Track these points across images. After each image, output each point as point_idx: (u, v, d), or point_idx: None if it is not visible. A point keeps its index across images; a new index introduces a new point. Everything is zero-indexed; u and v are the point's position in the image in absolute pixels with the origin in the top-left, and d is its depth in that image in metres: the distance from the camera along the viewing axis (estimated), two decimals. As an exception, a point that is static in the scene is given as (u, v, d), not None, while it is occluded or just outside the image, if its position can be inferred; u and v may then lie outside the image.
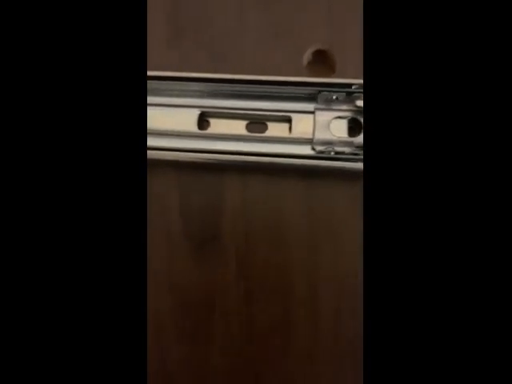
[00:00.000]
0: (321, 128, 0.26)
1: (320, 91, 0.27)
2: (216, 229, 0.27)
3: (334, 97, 0.26)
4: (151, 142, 0.27)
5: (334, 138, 0.26)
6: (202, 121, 0.28)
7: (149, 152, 0.27)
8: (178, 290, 0.27)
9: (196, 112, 0.28)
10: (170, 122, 0.28)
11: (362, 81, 0.26)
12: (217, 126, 0.28)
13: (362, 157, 0.26)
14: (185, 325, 0.27)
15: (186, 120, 0.28)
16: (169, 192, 0.28)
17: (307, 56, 0.28)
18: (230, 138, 0.27)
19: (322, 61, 0.28)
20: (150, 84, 0.28)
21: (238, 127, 0.28)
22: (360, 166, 0.26)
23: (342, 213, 0.27)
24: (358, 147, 0.26)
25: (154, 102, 0.28)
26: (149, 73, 0.28)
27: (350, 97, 0.26)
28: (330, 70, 0.28)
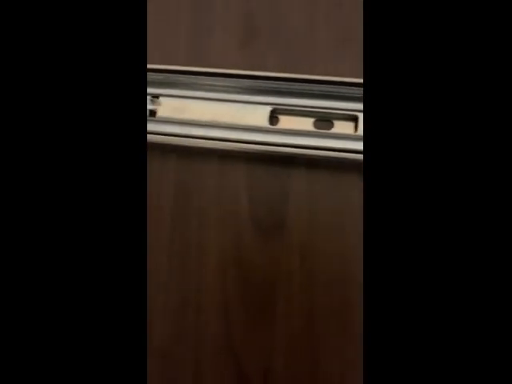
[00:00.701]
0: (386, 127, 0.28)
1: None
2: (281, 217, 0.29)
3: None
4: (225, 134, 0.30)
5: (399, 137, 0.28)
6: (272, 117, 0.30)
7: (222, 143, 0.29)
8: (245, 270, 0.29)
9: (268, 109, 0.30)
10: (243, 117, 0.30)
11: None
12: (286, 122, 0.30)
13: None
14: (250, 302, 0.29)
15: (258, 116, 0.30)
16: (239, 182, 0.30)
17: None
18: (298, 133, 0.29)
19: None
20: (226, 81, 0.30)
21: (306, 124, 0.30)
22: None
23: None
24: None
25: (229, 99, 0.30)
26: (224, 71, 0.30)
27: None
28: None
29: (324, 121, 0.30)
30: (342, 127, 0.29)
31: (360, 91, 0.29)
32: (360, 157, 0.28)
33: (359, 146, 0.29)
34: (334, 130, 0.30)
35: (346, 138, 0.29)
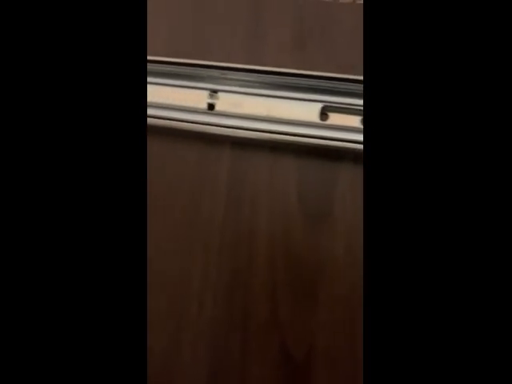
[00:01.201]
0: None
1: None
2: (329, 207, 0.32)
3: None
4: (277, 128, 0.32)
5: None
6: (323, 114, 0.32)
7: (275, 136, 0.32)
8: (293, 254, 0.31)
9: (318, 106, 0.32)
10: (295, 113, 0.32)
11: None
12: (335, 119, 0.32)
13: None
14: (296, 285, 0.31)
15: (309, 112, 0.32)
16: (289, 173, 0.32)
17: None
18: (346, 129, 0.32)
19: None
20: (279, 79, 0.33)
21: (354, 121, 0.32)
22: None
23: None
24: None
25: (282, 96, 0.33)
26: (278, 69, 0.33)
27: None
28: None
29: (371, 118, 0.32)
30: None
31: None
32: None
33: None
34: (380, 128, 0.32)
35: (392, 135, 0.31)
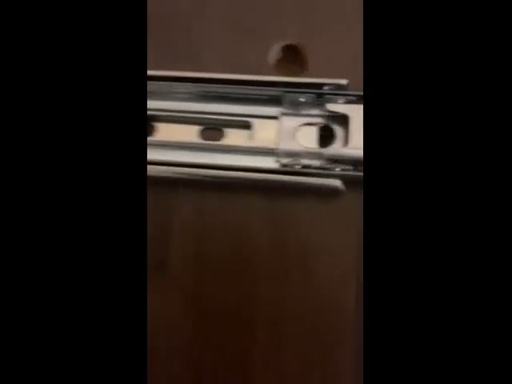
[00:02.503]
0: (286, 136, 0.22)
1: (286, 92, 0.23)
2: (163, 254, 0.23)
3: (302, 99, 0.22)
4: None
5: (302, 149, 0.22)
6: (148, 126, 0.24)
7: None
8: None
9: (141, 115, 0.24)
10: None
11: (336, 81, 0.22)
12: (165, 132, 0.24)
13: (333, 172, 0.22)
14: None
15: (128, 125, 0.23)
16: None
17: (274, 52, 0.24)
18: (180, 146, 0.23)
19: (292, 58, 0.24)
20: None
21: (190, 134, 0.24)
22: (331, 182, 0.22)
23: (314, 236, 0.23)
24: (328, 160, 0.22)
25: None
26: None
27: (320, 99, 0.22)
28: (301, 68, 0.24)
29: (212, 129, 0.24)
30: (233, 137, 0.23)
31: (254, 91, 0.23)
32: (256, 176, 0.22)
33: (255, 161, 0.23)
34: (224, 141, 0.23)
35: (240, 152, 0.23)
